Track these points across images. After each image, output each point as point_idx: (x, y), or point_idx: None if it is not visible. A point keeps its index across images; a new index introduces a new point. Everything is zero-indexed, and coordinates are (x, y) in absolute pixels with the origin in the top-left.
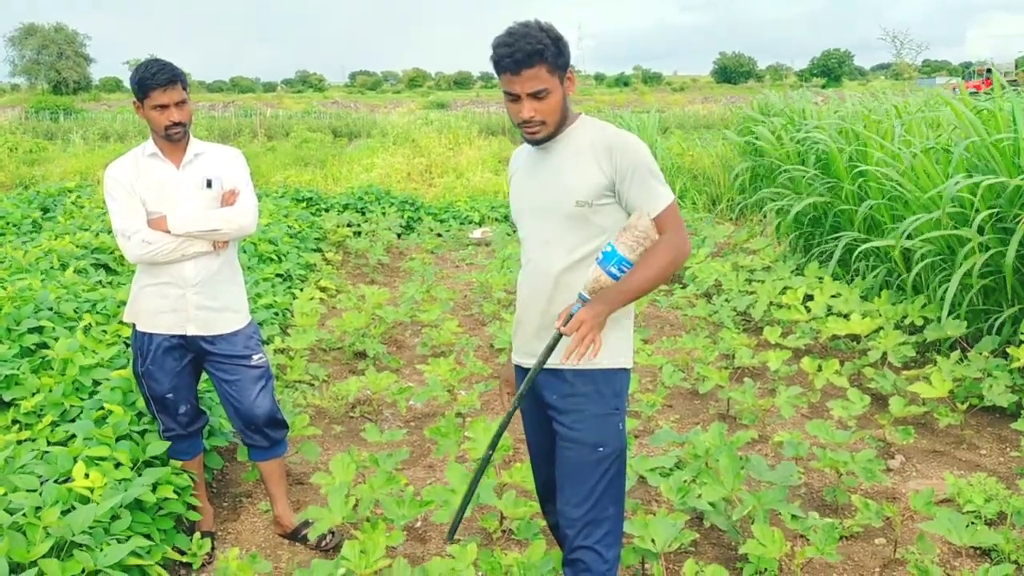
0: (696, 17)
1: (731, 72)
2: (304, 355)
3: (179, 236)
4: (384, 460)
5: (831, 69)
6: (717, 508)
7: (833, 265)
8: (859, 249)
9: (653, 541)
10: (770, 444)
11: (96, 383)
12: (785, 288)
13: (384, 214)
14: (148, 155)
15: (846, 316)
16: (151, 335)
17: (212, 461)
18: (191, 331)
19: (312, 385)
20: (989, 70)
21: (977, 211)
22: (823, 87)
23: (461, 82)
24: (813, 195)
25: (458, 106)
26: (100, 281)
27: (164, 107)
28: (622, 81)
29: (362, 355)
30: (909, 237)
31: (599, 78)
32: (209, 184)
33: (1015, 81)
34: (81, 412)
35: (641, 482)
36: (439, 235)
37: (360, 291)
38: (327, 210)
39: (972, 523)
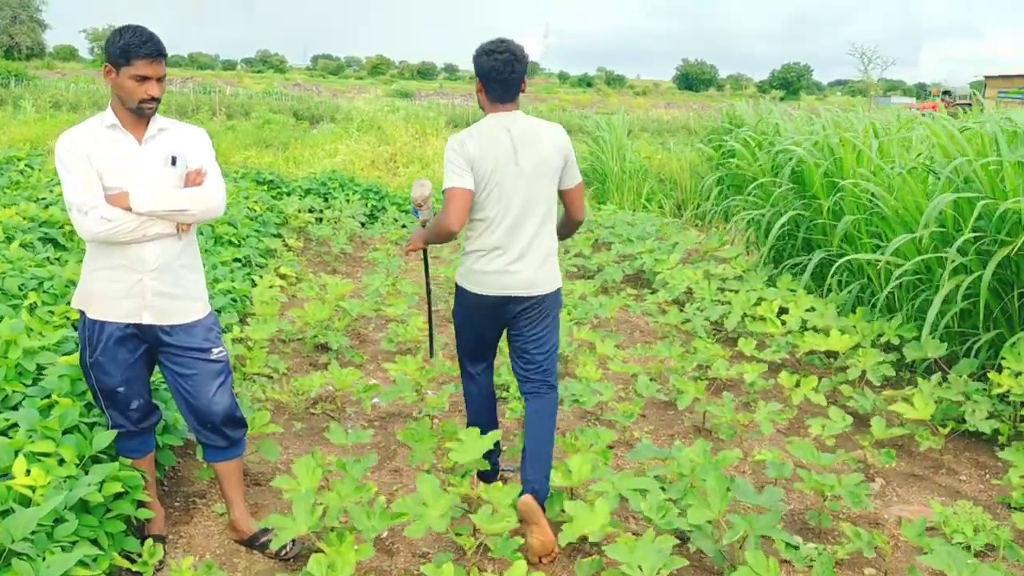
0: (662, 24)
1: (693, 79)
2: (264, 346)
3: (141, 215)
4: (352, 466)
5: (790, 82)
6: (703, 531)
7: (806, 278)
8: (837, 263)
9: (640, 568)
10: (749, 462)
11: (41, 368)
12: (759, 300)
13: (348, 201)
14: (107, 126)
15: (823, 331)
16: (103, 323)
17: (164, 459)
18: (147, 320)
19: (271, 378)
20: (946, 92)
21: (960, 232)
22: (781, 99)
23: (425, 72)
24: (788, 208)
25: (422, 96)
26: (48, 258)
27: (145, 79)
28: (585, 81)
29: (324, 348)
30: (892, 253)
31: (562, 77)
32: (173, 162)
33: (969, 103)
34: (24, 400)
35: (621, 501)
36: (404, 226)
37: (322, 280)
38: (288, 194)
39: (970, 560)
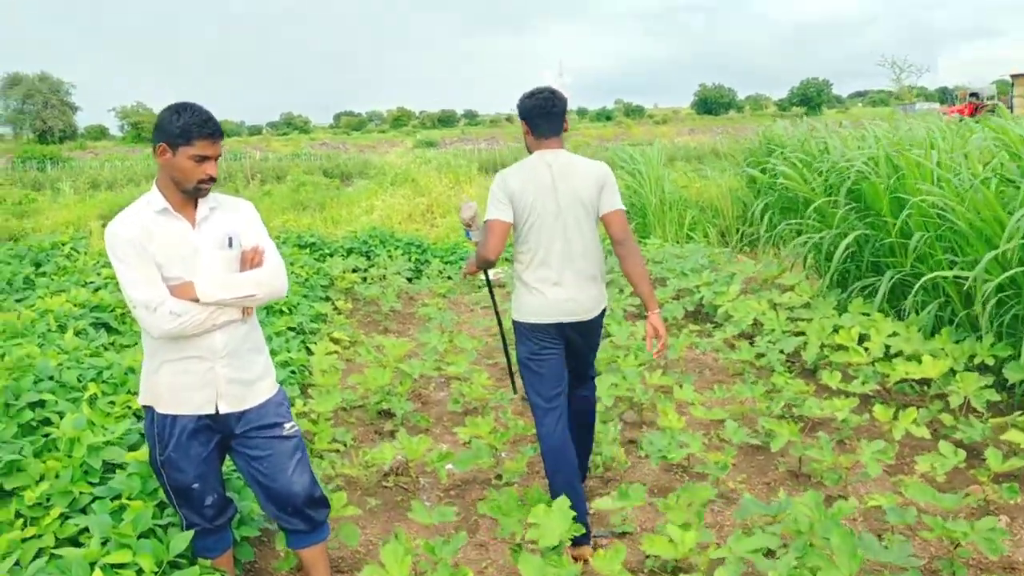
0: (674, 51)
1: (712, 103)
2: (329, 419)
3: (210, 305)
4: (441, 548)
5: (810, 98)
6: None
7: (880, 301)
8: (919, 283)
9: None
10: (861, 508)
11: (108, 466)
12: (836, 327)
13: (391, 257)
14: (158, 211)
15: (912, 357)
16: (175, 417)
17: (243, 553)
18: (223, 408)
19: (339, 451)
20: (974, 94)
21: None
22: (803, 116)
23: (445, 120)
24: (849, 228)
25: (447, 143)
26: (103, 344)
27: (204, 159)
28: (604, 115)
29: (388, 414)
30: (969, 269)
31: (582, 113)
32: (230, 243)
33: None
34: (93, 501)
35: (745, 565)
36: (449, 278)
37: (376, 341)
38: (331, 255)
39: None
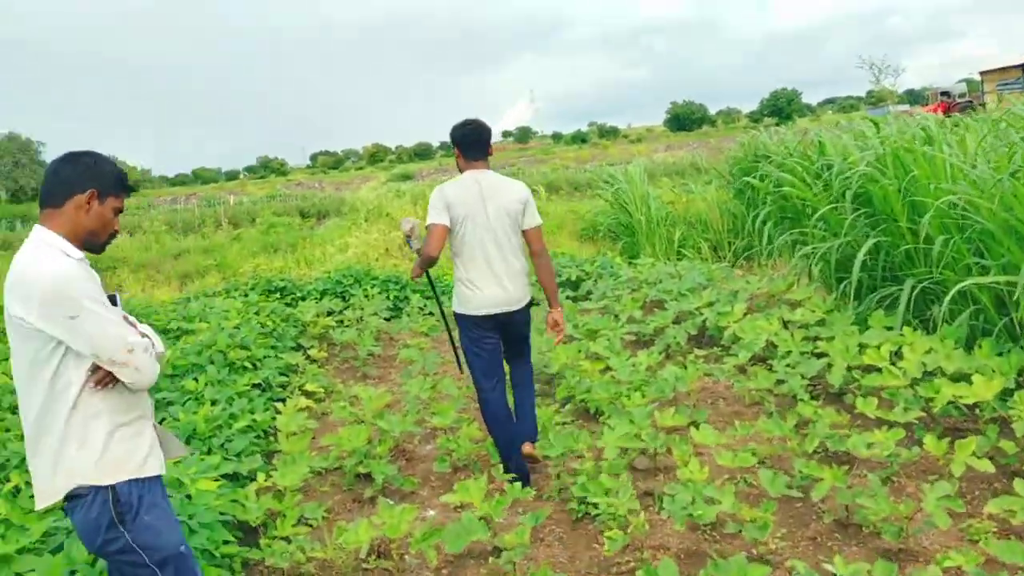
0: (644, 72)
1: (684, 120)
2: (297, 492)
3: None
4: None
5: (780, 108)
6: None
7: (903, 312)
8: (955, 289)
9: None
10: (931, 570)
11: None
12: (861, 346)
13: (368, 297)
14: (79, 259)
15: (958, 376)
16: (153, 479)
17: None
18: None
19: (311, 526)
20: (944, 93)
21: None
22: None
23: (421, 153)
24: (859, 235)
25: (423, 176)
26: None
27: (119, 213)
28: (579, 138)
29: (367, 477)
30: (1002, 272)
31: (556, 137)
32: (114, 301)
33: (971, 103)
34: None
35: None
36: (430, 314)
37: (353, 391)
38: (303, 299)
39: None
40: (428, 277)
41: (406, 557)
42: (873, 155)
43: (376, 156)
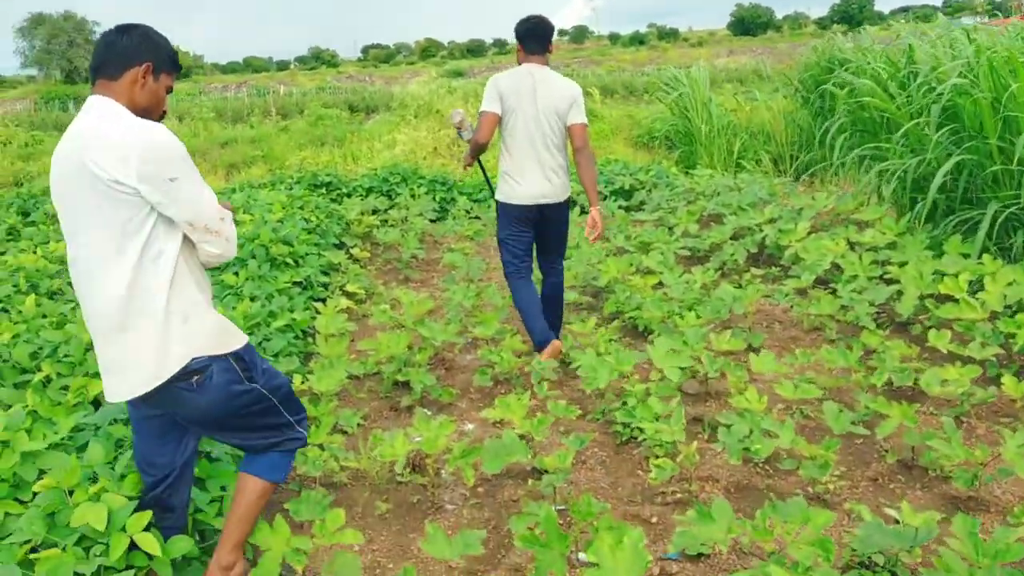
0: None
1: (748, 23)
2: (332, 400)
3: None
4: None
5: (851, 15)
6: None
7: (983, 239)
8: None
9: None
10: (1008, 519)
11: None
12: (937, 273)
13: (414, 196)
14: None
15: None
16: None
17: None
18: None
19: (346, 433)
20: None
21: None
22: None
23: (474, 50)
24: (942, 153)
25: (475, 73)
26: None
27: (169, 91)
28: (637, 39)
29: (405, 385)
30: None
31: (613, 38)
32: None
33: None
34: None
35: None
36: (477, 217)
37: (394, 294)
38: (348, 195)
39: None
40: (480, 164)
41: (442, 473)
42: (966, 64)
43: (428, 51)
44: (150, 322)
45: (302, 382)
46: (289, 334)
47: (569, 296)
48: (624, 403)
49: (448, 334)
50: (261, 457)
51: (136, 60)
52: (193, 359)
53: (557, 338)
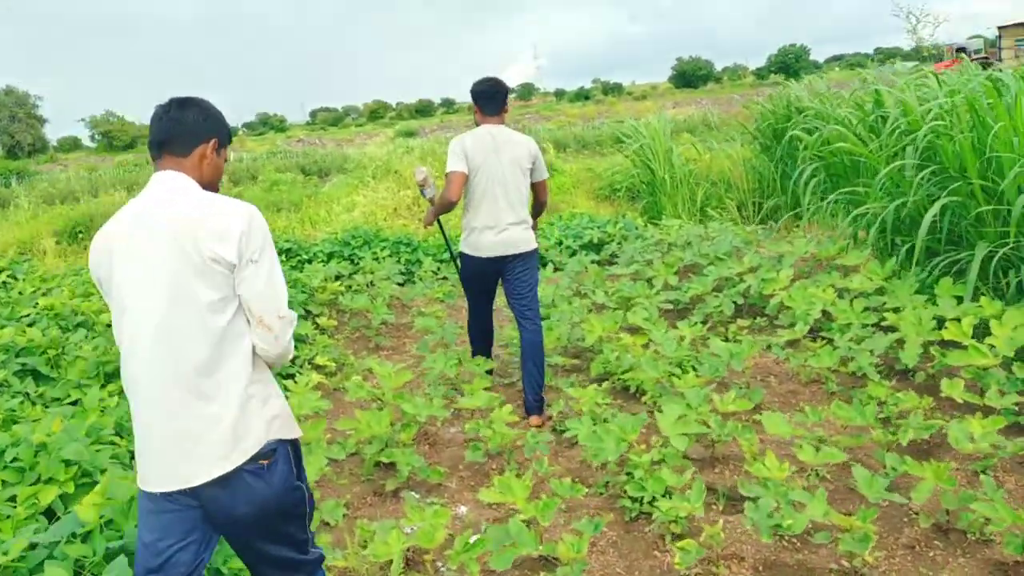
0: (646, 27)
1: (689, 76)
2: (314, 489)
3: None
4: None
5: (788, 65)
6: None
7: (973, 281)
8: None
9: None
10: None
11: None
12: (937, 319)
13: (378, 260)
14: None
15: None
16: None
17: None
18: None
19: (328, 524)
20: (960, 49)
21: None
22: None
23: (423, 110)
24: (923, 194)
25: (426, 133)
26: (26, 396)
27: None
28: (583, 95)
29: (389, 466)
30: None
31: (559, 94)
32: None
33: (987, 58)
34: None
35: None
36: (445, 278)
37: (366, 364)
38: (310, 261)
39: None
40: (440, 224)
41: (442, 570)
42: (942, 106)
43: (376, 113)
44: (233, 400)
45: None
46: None
47: (553, 359)
48: (630, 475)
49: (433, 408)
50: None
51: (204, 136)
52: (267, 442)
53: (540, 398)
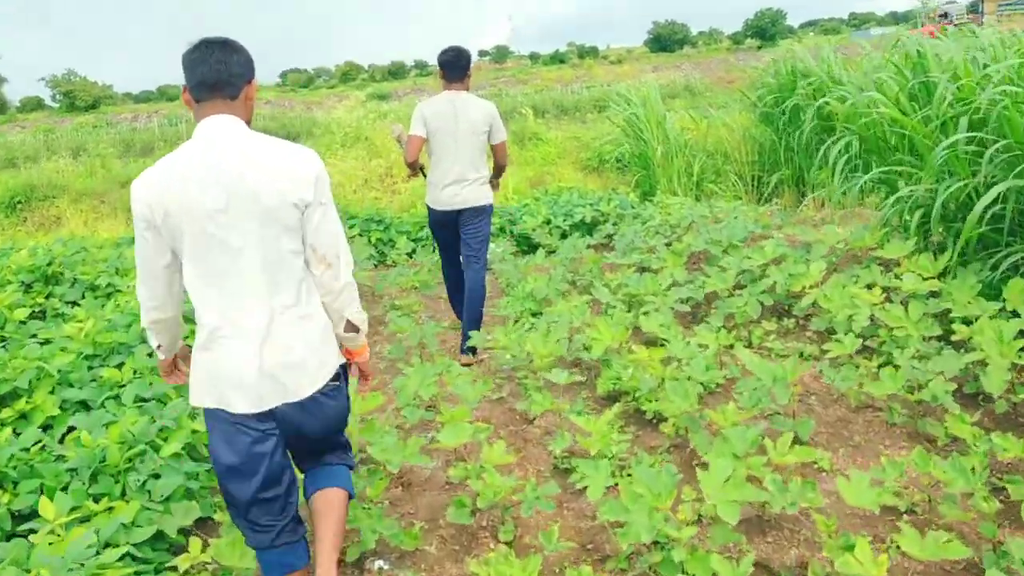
0: None
1: (665, 40)
2: (247, 564)
3: None
4: None
5: (764, 30)
6: None
7: None
8: None
9: None
10: None
11: None
12: (1022, 332)
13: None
14: None
15: None
16: None
17: None
18: None
19: None
20: (944, 15)
21: None
22: (758, 48)
23: (396, 72)
24: (993, 175)
25: (399, 95)
26: None
27: None
28: (557, 58)
29: (350, 530)
30: None
31: (534, 57)
32: None
33: (970, 23)
34: None
35: None
36: (419, 262)
37: None
38: None
39: None
40: (423, 172)
41: None
42: (1012, 66)
43: (348, 75)
44: (312, 334)
45: (203, 548)
46: (183, 466)
47: (552, 375)
48: (665, 549)
49: (408, 452)
50: (340, 472)
51: (247, 77)
52: (337, 368)
53: (471, 337)
